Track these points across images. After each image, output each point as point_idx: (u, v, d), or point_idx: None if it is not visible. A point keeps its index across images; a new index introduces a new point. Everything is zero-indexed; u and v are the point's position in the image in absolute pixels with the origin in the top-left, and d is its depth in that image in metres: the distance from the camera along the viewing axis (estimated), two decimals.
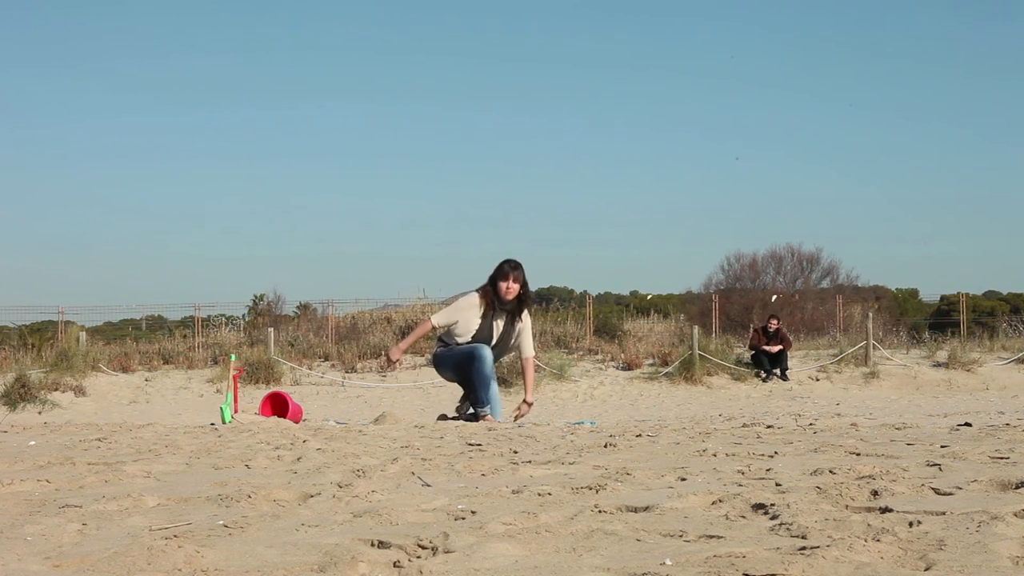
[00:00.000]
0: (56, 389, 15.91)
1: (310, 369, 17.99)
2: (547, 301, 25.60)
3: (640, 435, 5.00)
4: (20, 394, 14.99)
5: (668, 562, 1.89)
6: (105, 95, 53.70)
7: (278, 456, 3.98)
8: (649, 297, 31.82)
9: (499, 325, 6.94)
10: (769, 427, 5.94)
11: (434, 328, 7.05)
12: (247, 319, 23.59)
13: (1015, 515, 2.26)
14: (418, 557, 2.01)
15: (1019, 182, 50.80)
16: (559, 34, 58.27)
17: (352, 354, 18.88)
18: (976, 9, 54.89)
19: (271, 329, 18.98)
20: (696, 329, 17.73)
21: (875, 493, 2.67)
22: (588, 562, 1.92)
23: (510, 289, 6.87)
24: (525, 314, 7.05)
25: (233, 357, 8.95)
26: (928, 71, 54.99)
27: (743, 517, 2.39)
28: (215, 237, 52.44)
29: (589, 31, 57.91)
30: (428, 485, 3.06)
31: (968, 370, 16.95)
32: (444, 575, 1.84)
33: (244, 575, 1.86)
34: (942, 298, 30.11)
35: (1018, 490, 2.68)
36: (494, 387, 6.99)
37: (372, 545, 2.09)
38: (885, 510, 2.41)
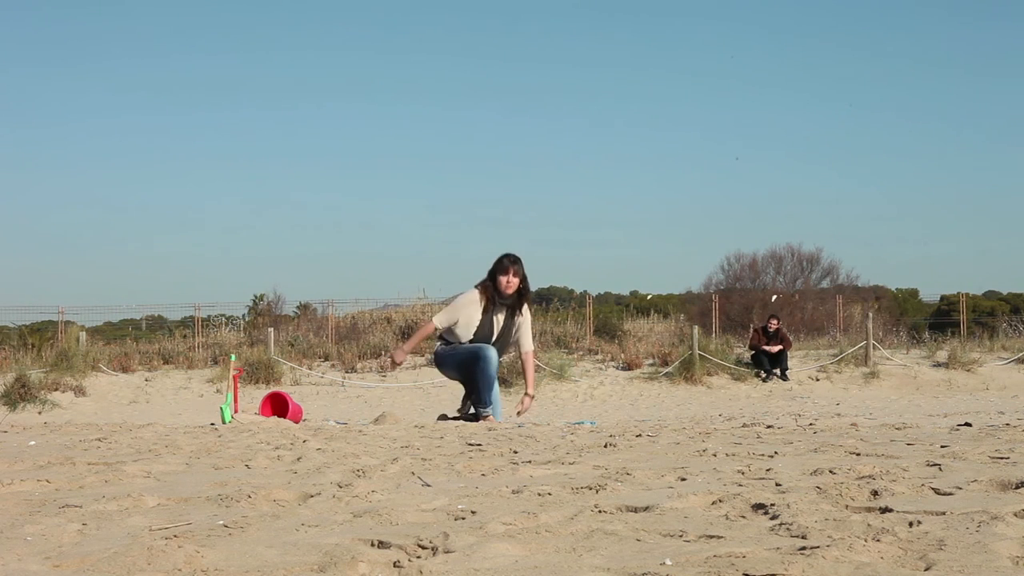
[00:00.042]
0: (56, 389, 15.91)
1: (310, 369, 17.99)
2: (547, 301, 25.61)
3: (640, 435, 5.00)
4: (20, 394, 14.99)
5: (668, 562, 1.89)
6: (105, 95, 53.71)
7: (278, 456, 3.98)
8: (649, 297, 31.83)
9: (499, 320, 6.94)
10: (769, 427, 5.94)
11: (436, 329, 7.05)
12: (247, 319, 23.59)
13: (1015, 515, 2.26)
14: (418, 557, 2.01)
15: (1019, 182, 50.81)
16: (559, 34, 58.28)
17: (352, 354, 18.89)
18: (976, 9, 54.90)
19: (271, 329, 18.98)
20: (696, 329, 17.73)
21: (875, 493, 2.67)
22: (588, 562, 1.92)
23: (510, 283, 6.88)
24: (525, 308, 7.06)
25: (233, 357, 8.95)
26: (928, 71, 55.00)
27: (743, 517, 2.39)
28: (215, 237, 52.44)
29: (589, 31, 57.93)
30: (428, 485, 3.06)
31: (968, 370, 16.95)
32: (444, 575, 1.84)
33: (244, 575, 1.86)
34: (942, 298, 30.11)
35: (1018, 490, 2.68)
36: (495, 388, 7.00)
37: (372, 545, 2.09)
38: (885, 510, 2.41)
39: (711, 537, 2.13)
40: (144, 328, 27.67)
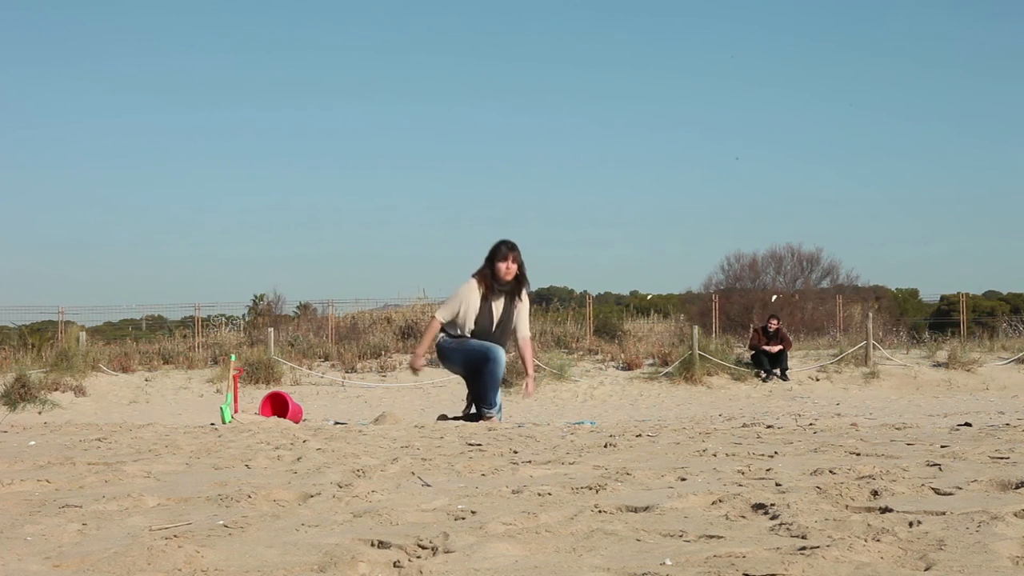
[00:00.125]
0: (56, 389, 15.91)
1: (310, 369, 17.99)
2: (547, 301, 25.60)
3: (640, 435, 5.00)
4: (20, 394, 14.99)
5: (668, 562, 1.89)
6: (105, 95, 53.69)
7: (278, 456, 3.98)
8: (649, 297, 31.83)
9: (498, 306, 6.96)
10: (769, 427, 5.94)
11: (441, 323, 7.05)
12: (247, 319, 23.59)
13: (1015, 515, 2.26)
14: (418, 557, 2.01)
15: (1019, 182, 50.80)
16: (559, 34, 58.27)
17: (352, 354, 18.88)
18: (976, 9, 54.90)
19: (271, 329, 18.97)
20: (696, 329, 17.73)
21: (875, 493, 2.67)
22: (588, 562, 1.92)
23: (509, 269, 6.91)
24: (524, 294, 7.07)
25: (233, 357, 8.96)
26: (928, 71, 54.99)
27: (743, 517, 2.39)
28: (215, 237, 52.41)
29: (589, 31, 57.91)
30: (428, 485, 3.06)
31: (968, 370, 16.95)
32: (444, 575, 1.84)
33: (244, 575, 1.86)
34: (942, 298, 30.11)
35: (1018, 490, 2.68)
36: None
37: (372, 545, 2.09)
38: (885, 510, 2.41)
39: (711, 537, 2.13)
40: (144, 328, 27.67)
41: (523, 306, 7.10)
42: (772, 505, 2.47)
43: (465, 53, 58.15)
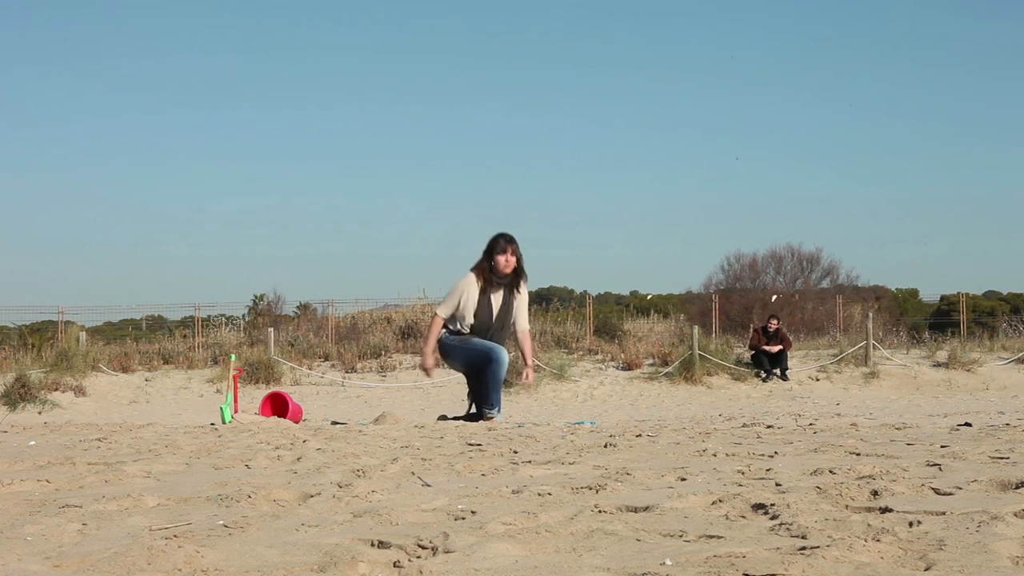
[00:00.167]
0: (56, 389, 15.91)
1: (310, 369, 17.99)
2: (547, 301, 25.60)
3: (640, 435, 5.00)
4: (20, 394, 14.99)
5: (668, 562, 1.89)
6: (105, 95, 53.74)
7: (278, 456, 3.98)
8: (649, 297, 31.82)
9: (497, 300, 6.97)
10: (769, 427, 5.94)
11: (443, 320, 7.03)
12: (247, 319, 23.59)
13: (1015, 515, 2.26)
14: (418, 557, 2.01)
15: (1019, 182, 50.81)
16: (559, 34, 58.31)
17: (352, 354, 18.88)
18: (976, 9, 54.92)
19: (271, 329, 18.97)
20: (696, 329, 17.72)
21: (875, 493, 2.67)
22: (588, 562, 1.92)
23: (508, 262, 6.91)
24: (522, 287, 7.07)
25: (233, 357, 8.96)
26: (928, 71, 55.03)
27: (743, 517, 2.39)
28: (215, 237, 52.46)
29: (589, 31, 57.95)
30: (428, 485, 3.06)
31: (968, 370, 16.95)
32: (444, 575, 1.84)
33: (244, 575, 1.86)
34: (942, 298, 30.11)
35: (1018, 490, 2.68)
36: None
37: (372, 545, 2.09)
38: (885, 510, 2.41)
39: (711, 537, 2.13)
40: (144, 328, 27.67)
41: (522, 299, 7.10)
42: (772, 505, 2.47)
43: (465, 53, 58.21)
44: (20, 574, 1.87)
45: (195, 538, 2.17)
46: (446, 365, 7.46)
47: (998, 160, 52.10)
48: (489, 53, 58.59)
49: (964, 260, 47.47)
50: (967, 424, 6.15)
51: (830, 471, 3.19)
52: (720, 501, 2.61)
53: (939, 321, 25.80)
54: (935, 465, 3.30)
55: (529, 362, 7.36)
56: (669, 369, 16.98)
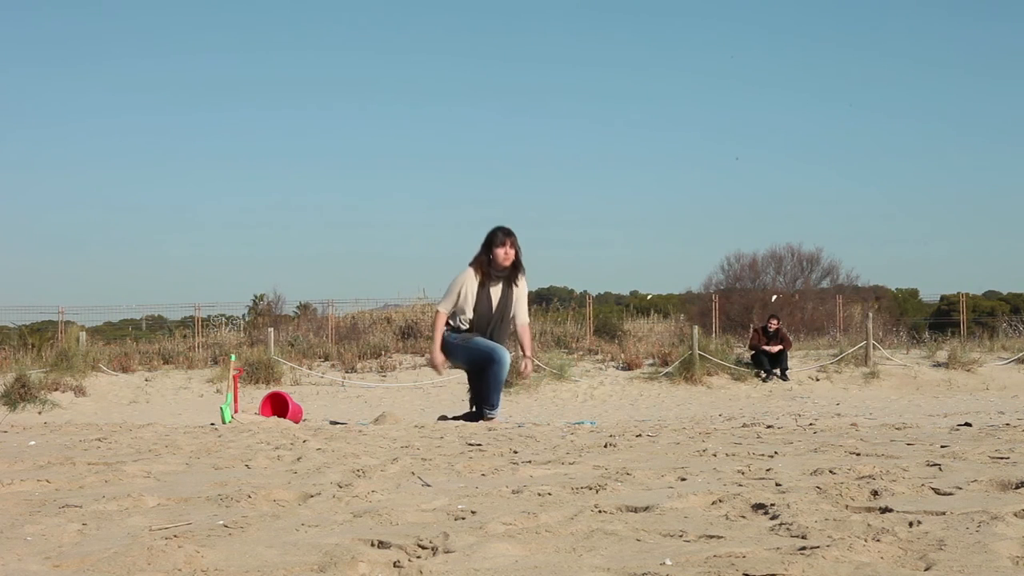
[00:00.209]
0: (56, 389, 15.91)
1: (310, 369, 17.99)
2: (547, 301, 25.60)
3: (640, 435, 5.00)
4: (20, 394, 14.99)
5: (668, 562, 1.89)
6: (105, 95, 53.74)
7: (278, 456, 3.98)
8: (649, 297, 31.82)
9: (496, 293, 6.97)
10: (769, 427, 5.94)
11: (446, 316, 7.01)
12: (247, 319, 23.58)
13: (1015, 515, 2.26)
14: (418, 557, 2.01)
15: (1019, 182, 50.80)
16: (559, 34, 58.31)
17: (352, 354, 18.88)
18: (976, 9, 54.92)
19: (271, 329, 18.97)
20: (696, 329, 17.72)
21: (875, 493, 2.67)
22: (588, 562, 1.92)
23: (507, 255, 6.91)
24: (521, 280, 7.07)
25: (233, 357, 8.96)
26: (928, 71, 55.02)
27: (743, 517, 2.39)
28: (215, 237, 52.47)
29: (589, 31, 57.95)
30: (428, 485, 3.06)
31: (968, 370, 16.95)
32: (444, 575, 1.84)
33: (244, 575, 1.86)
34: (942, 298, 30.11)
35: (1018, 490, 2.68)
36: None
37: (372, 545, 2.09)
38: (885, 510, 2.41)
39: (711, 537, 2.13)
40: (144, 328, 27.67)
41: (521, 292, 7.10)
42: (772, 505, 2.47)
43: (465, 53, 58.21)
44: (20, 574, 1.87)
45: (195, 538, 2.17)
46: (448, 362, 7.45)
47: (998, 160, 52.14)
48: (489, 53, 58.63)
49: (964, 260, 47.50)
50: (967, 424, 6.15)
51: (830, 471, 3.19)
52: (720, 501, 2.61)
53: (939, 321, 25.79)
54: (935, 465, 3.30)
55: (528, 354, 7.34)
56: (669, 369, 16.97)
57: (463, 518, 2.42)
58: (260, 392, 13.87)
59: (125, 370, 17.93)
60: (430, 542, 2.09)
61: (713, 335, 20.10)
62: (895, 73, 55.70)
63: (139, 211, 53.16)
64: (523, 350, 7.37)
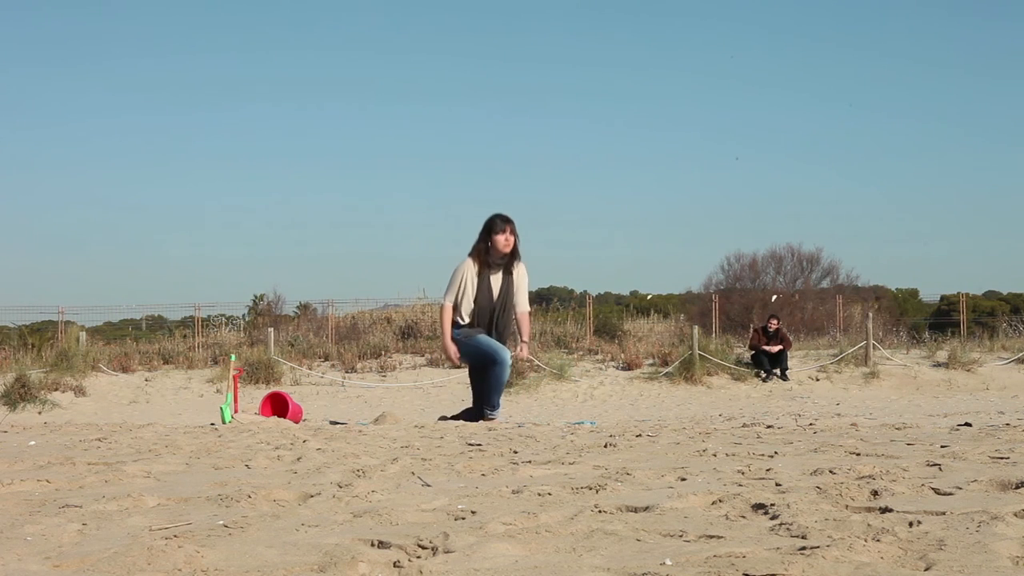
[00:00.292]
0: (56, 389, 15.91)
1: (310, 369, 17.99)
2: (547, 301, 25.60)
3: (640, 435, 5.00)
4: (20, 394, 14.99)
5: (668, 562, 1.89)
6: (105, 95, 53.73)
7: (278, 456, 3.98)
8: (649, 297, 31.82)
9: (496, 282, 6.97)
10: (769, 427, 5.94)
11: (452, 308, 6.98)
12: (247, 319, 23.59)
13: (1015, 515, 2.26)
14: (418, 557, 2.01)
15: (1019, 182, 50.80)
16: (559, 34, 58.30)
17: (352, 354, 18.88)
18: (976, 9, 54.93)
19: (271, 329, 18.97)
20: (696, 329, 17.72)
21: (875, 493, 2.67)
22: (588, 562, 1.92)
23: (508, 242, 6.91)
24: (520, 267, 7.06)
25: (233, 357, 8.96)
26: (928, 71, 55.01)
27: (743, 517, 2.39)
28: (215, 237, 52.45)
29: (589, 31, 57.94)
30: (428, 485, 3.06)
31: (968, 370, 16.95)
32: (444, 575, 1.84)
33: (244, 575, 1.86)
34: (942, 298, 30.11)
35: (1018, 490, 2.68)
36: None
37: (372, 545, 2.09)
38: (885, 510, 2.41)
39: (711, 537, 2.13)
40: (144, 328, 27.67)
41: (521, 280, 7.08)
42: (772, 505, 2.47)
43: (465, 53, 58.21)
44: (20, 574, 1.87)
45: (195, 538, 2.17)
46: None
47: (998, 160, 52.13)
48: (489, 53, 58.62)
49: (964, 260, 47.49)
50: (967, 424, 6.15)
51: (830, 471, 3.19)
52: (720, 501, 2.61)
53: (939, 321, 25.80)
54: (935, 465, 3.30)
55: (525, 339, 7.29)
56: (669, 369, 16.97)
57: (463, 518, 2.42)
58: (260, 392, 13.87)
59: (125, 370, 17.93)
60: (430, 542, 2.09)
61: (713, 335, 20.10)
62: (895, 73, 55.73)
63: (139, 211, 53.19)
64: (520, 335, 7.32)
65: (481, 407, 6.98)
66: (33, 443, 4.76)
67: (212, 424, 6.65)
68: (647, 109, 56.59)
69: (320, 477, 3.27)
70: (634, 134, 56.52)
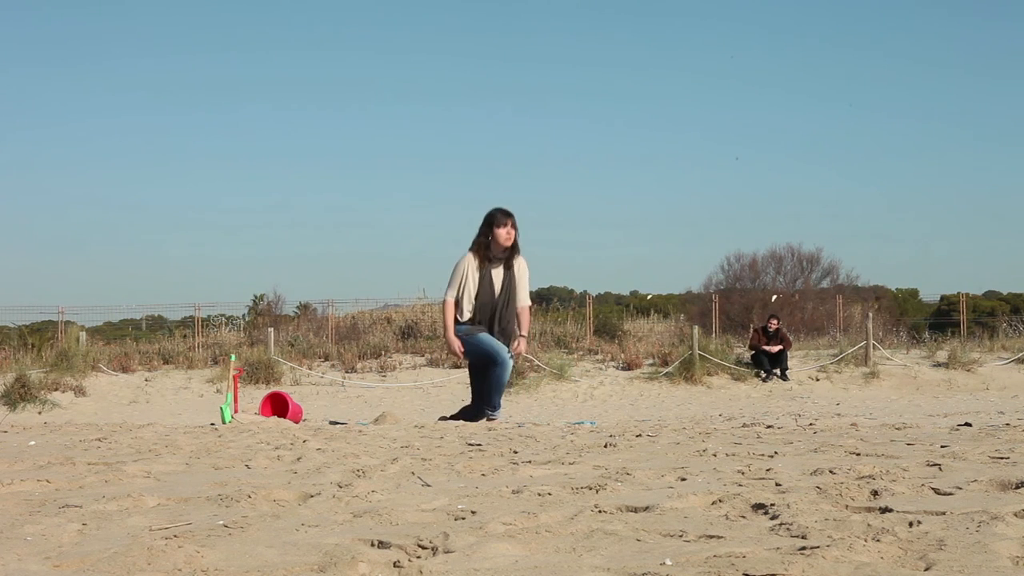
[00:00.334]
0: (56, 389, 15.91)
1: (310, 369, 17.99)
2: (547, 301, 25.60)
3: (640, 435, 5.00)
4: (20, 394, 14.99)
5: (668, 562, 1.89)
6: (105, 95, 53.73)
7: (278, 456, 3.98)
8: (649, 297, 31.81)
9: (498, 276, 6.96)
10: (769, 427, 5.94)
11: (454, 303, 6.96)
12: (247, 319, 23.59)
13: (1015, 515, 2.26)
14: (418, 557, 2.01)
15: (1019, 182, 50.79)
16: (559, 34, 58.27)
17: (352, 354, 18.88)
18: (976, 9, 54.93)
19: (271, 329, 18.97)
20: (696, 329, 17.72)
21: (875, 493, 2.67)
22: (588, 562, 1.92)
23: (509, 235, 6.90)
24: (521, 261, 7.05)
25: (233, 357, 8.95)
26: (928, 71, 55.00)
27: (743, 517, 2.39)
28: (215, 237, 52.45)
29: (589, 31, 57.93)
30: (428, 485, 3.06)
31: (968, 370, 16.95)
32: (444, 575, 1.84)
33: (244, 575, 1.86)
34: (942, 298, 30.11)
35: (1018, 490, 2.68)
36: None
37: (372, 545, 2.09)
38: (885, 510, 2.41)
39: (711, 537, 2.13)
40: (144, 328, 27.68)
41: (522, 274, 7.07)
42: (772, 505, 2.47)
43: (465, 53, 58.20)
44: (20, 574, 1.87)
45: (195, 538, 2.17)
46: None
47: (998, 160, 52.13)
48: (489, 53, 58.60)
49: (964, 260, 47.49)
50: (967, 424, 6.15)
51: (830, 471, 3.19)
52: (720, 501, 2.61)
53: (939, 321, 25.80)
54: (935, 465, 3.30)
55: (523, 332, 7.24)
56: (669, 369, 16.98)
57: (463, 518, 2.42)
58: (260, 392, 13.86)
59: (125, 370, 17.93)
60: (430, 542, 2.09)
61: (713, 335, 20.10)
62: (895, 73, 55.72)
63: (139, 211, 53.18)
64: (519, 329, 7.28)
65: (480, 405, 6.98)
66: (33, 443, 4.76)
67: (212, 424, 6.65)
68: (647, 109, 56.61)
69: (320, 477, 3.27)
70: (634, 134, 56.55)
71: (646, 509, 2.51)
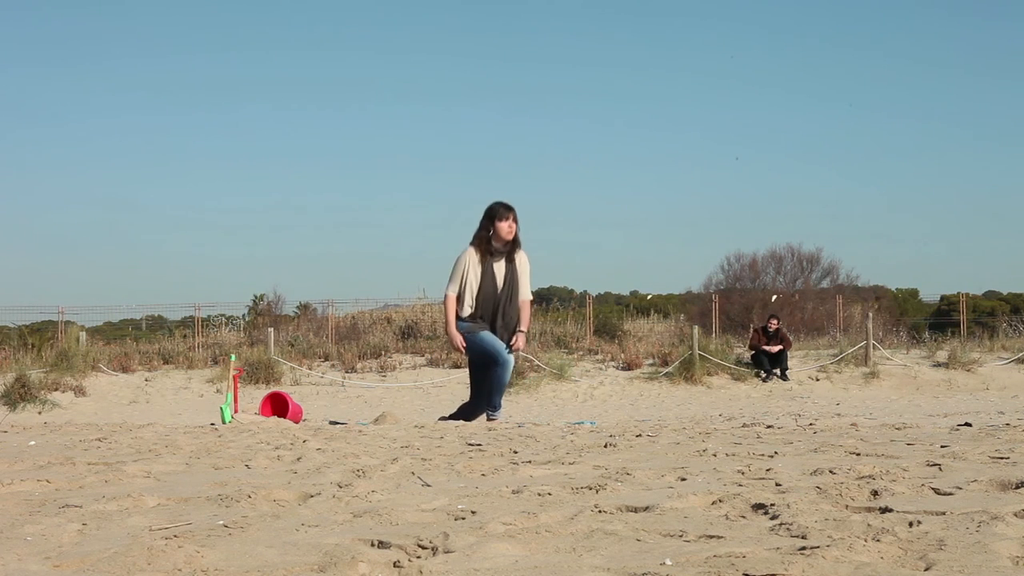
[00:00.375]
0: (56, 389, 15.90)
1: (310, 369, 17.99)
2: (547, 301, 25.60)
3: (640, 435, 5.00)
4: (20, 394, 14.99)
5: (668, 562, 1.89)
6: (105, 95, 53.72)
7: (278, 456, 3.98)
8: (649, 297, 31.81)
9: (500, 270, 6.94)
10: (769, 427, 5.94)
11: (455, 298, 6.94)
12: (247, 319, 23.59)
13: (1015, 515, 2.26)
14: (418, 557, 2.01)
15: (1019, 182, 50.79)
16: (559, 34, 58.25)
17: (352, 354, 18.88)
18: (976, 9, 54.93)
19: (271, 329, 18.97)
20: (696, 329, 17.72)
21: (875, 493, 2.67)
22: (588, 562, 1.92)
23: (511, 228, 6.89)
24: (522, 254, 7.05)
25: (233, 357, 8.95)
26: (928, 71, 54.99)
27: (743, 517, 2.39)
28: (215, 237, 52.44)
29: (589, 31, 57.92)
30: (428, 485, 3.06)
31: (968, 370, 16.94)
32: (444, 575, 1.84)
33: (244, 575, 1.86)
34: (942, 298, 30.11)
35: (1018, 490, 2.68)
36: None
37: (372, 545, 2.09)
38: (885, 510, 2.41)
39: (711, 537, 2.13)
40: (144, 328, 27.68)
41: (523, 268, 7.06)
42: (772, 505, 2.47)
43: (465, 53, 58.18)
44: (20, 574, 1.87)
45: (195, 538, 2.17)
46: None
47: (998, 160, 52.12)
48: (489, 53, 58.59)
49: (964, 260, 47.49)
50: (967, 424, 6.15)
51: (830, 471, 3.19)
52: (720, 501, 2.61)
53: (939, 321, 25.80)
54: (935, 465, 3.30)
55: (523, 328, 7.19)
56: (669, 369, 16.98)
57: (463, 518, 2.42)
58: (260, 392, 13.87)
59: (125, 370, 17.93)
60: (430, 542, 2.09)
61: (713, 335, 20.10)
62: (895, 73, 55.71)
63: (139, 211, 53.16)
64: (520, 324, 7.26)
65: (478, 402, 6.97)
66: (33, 443, 4.76)
67: (212, 424, 6.65)
68: (647, 109, 56.59)
69: (320, 477, 3.27)
70: (634, 134, 56.53)
71: (646, 509, 2.51)
